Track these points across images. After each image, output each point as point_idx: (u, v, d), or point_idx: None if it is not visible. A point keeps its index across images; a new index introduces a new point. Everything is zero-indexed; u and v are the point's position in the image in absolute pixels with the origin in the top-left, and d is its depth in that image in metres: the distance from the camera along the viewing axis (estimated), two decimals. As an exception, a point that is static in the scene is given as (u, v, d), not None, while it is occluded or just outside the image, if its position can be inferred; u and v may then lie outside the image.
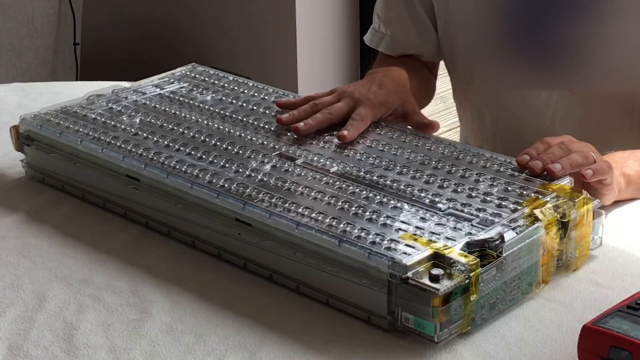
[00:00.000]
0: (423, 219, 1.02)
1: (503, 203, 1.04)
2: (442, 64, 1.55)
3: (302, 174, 1.12)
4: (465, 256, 0.94)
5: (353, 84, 1.30)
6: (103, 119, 1.28)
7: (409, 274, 0.93)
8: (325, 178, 1.11)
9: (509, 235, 0.98)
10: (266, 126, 1.25)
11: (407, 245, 0.96)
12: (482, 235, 0.98)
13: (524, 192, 1.06)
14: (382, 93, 1.27)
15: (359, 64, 2.97)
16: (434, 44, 1.49)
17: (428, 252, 0.95)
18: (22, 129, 1.31)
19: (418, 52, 1.50)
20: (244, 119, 1.27)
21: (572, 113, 1.38)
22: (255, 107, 1.31)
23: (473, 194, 1.06)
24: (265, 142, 1.20)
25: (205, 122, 1.27)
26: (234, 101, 1.33)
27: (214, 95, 1.35)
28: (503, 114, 1.44)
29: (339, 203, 1.05)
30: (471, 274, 0.93)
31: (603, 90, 1.36)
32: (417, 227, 1.00)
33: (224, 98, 1.34)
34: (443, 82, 1.62)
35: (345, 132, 1.20)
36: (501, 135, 1.46)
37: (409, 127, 1.28)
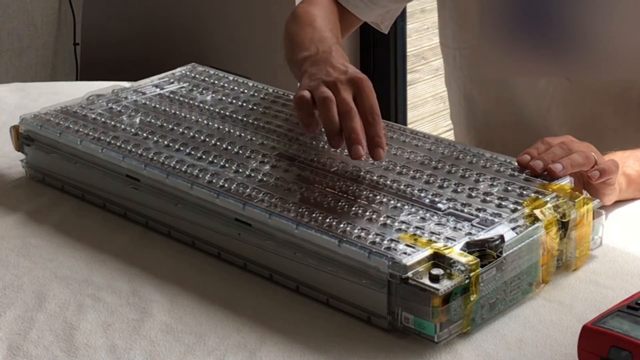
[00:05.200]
0: (423, 219, 1.02)
1: (503, 203, 1.04)
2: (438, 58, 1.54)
3: (302, 174, 1.12)
4: (465, 256, 0.94)
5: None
6: (103, 119, 1.28)
7: (409, 274, 0.93)
8: (325, 178, 1.11)
9: (509, 235, 0.98)
10: (266, 126, 1.25)
11: (407, 245, 0.96)
12: (482, 235, 0.98)
13: (524, 192, 1.06)
14: None
15: (359, 64, 2.97)
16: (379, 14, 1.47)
17: (428, 252, 0.95)
18: (22, 129, 1.31)
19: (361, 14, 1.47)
20: (244, 119, 1.27)
21: (568, 102, 1.37)
22: (255, 107, 1.31)
23: (473, 194, 1.06)
24: (265, 142, 1.20)
25: (205, 122, 1.27)
26: (234, 101, 1.33)
27: (214, 95, 1.35)
28: (496, 103, 1.44)
29: (339, 203, 1.05)
30: (471, 274, 0.93)
31: (602, 79, 1.35)
32: (417, 227, 1.00)
33: (224, 98, 1.34)
34: (443, 82, 1.62)
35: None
36: (490, 126, 1.45)
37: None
